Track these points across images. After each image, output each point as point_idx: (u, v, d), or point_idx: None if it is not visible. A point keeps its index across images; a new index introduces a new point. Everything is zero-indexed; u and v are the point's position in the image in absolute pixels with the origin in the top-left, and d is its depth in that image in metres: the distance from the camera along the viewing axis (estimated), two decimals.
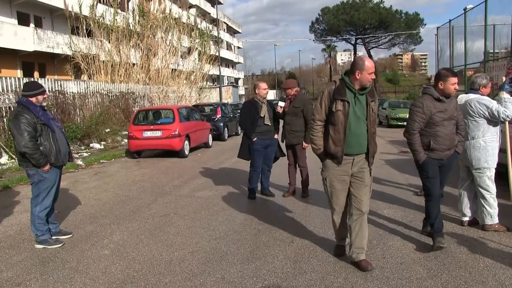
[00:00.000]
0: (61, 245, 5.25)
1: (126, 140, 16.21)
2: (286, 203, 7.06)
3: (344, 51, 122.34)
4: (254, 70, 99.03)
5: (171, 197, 7.80)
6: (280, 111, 7.37)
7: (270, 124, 7.29)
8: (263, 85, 7.39)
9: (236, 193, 7.89)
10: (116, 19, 22.01)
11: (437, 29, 28.23)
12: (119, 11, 23.15)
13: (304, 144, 7.31)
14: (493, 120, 5.20)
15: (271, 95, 66.05)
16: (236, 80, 73.41)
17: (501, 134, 5.47)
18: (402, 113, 22.93)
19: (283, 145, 7.59)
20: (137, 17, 23.46)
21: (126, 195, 8.06)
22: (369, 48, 60.38)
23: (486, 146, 5.22)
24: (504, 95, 5.31)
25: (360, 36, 57.65)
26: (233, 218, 6.29)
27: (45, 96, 5.29)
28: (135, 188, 8.69)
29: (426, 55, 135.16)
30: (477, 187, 5.38)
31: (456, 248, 4.81)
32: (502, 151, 5.64)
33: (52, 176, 5.24)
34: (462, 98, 5.56)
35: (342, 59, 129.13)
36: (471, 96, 5.35)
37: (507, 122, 5.48)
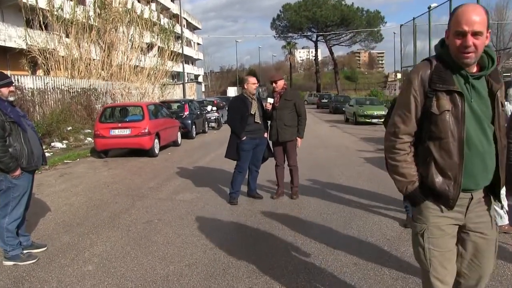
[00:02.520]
0: (35, 260, 4.56)
1: (89, 139, 15.39)
2: (278, 206, 6.60)
3: (303, 48, 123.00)
4: (213, 67, 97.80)
5: (150, 200, 7.18)
6: (270, 108, 6.88)
7: (260, 122, 6.81)
8: (252, 79, 6.89)
9: (220, 196, 7.35)
10: (76, 11, 20.82)
11: (401, 26, 28.62)
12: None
13: (299, 140, 6.89)
14: None
15: (232, 92, 65.47)
16: (196, 76, 72.35)
17: None
18: (370, 110, 22.96)
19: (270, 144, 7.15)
20: (98, 10, 22.30)
21: (99, 199, 7.37)
22: (330, 45, 60.87)
23: None
24: None
25: (322, 33, 57.89)
26: (224, 224, 5.78)
27: (12, 88, 4.55)
28: (108, 191, 8.00)
29: (383, 53, 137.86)
30: None
31: None
32: None
33: (23, 183, 4.54)
34: None
35: (300, 57, 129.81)
36: None
37: None
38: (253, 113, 6.75)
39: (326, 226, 5.51)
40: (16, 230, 4.63)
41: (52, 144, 13.72)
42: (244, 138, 6.67)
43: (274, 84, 6.98)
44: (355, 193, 7.24)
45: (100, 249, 4.91)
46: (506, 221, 5.07)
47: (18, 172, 4.41)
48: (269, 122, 7.07)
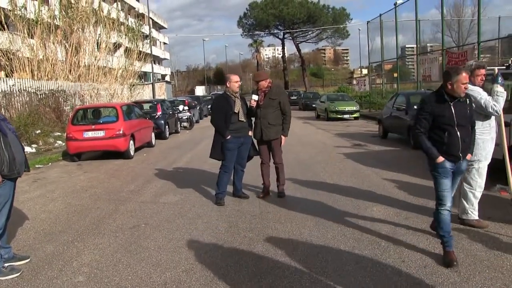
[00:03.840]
0: (18, 274, 4.28)
1: (60, 142, 14.92)
2: (266, 205, 6.48)
3: (269, 46, 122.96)
4: (178, 66, 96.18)
5: (133, 204, 6.93)
6: (254, 105, 6.75)
7: (244, 121, 6.67)
8: (235, 77, 6.75)
9: (205, 197, 7.17)
10: (42, 10, 20.06)
11: (367, 23, 28.97)
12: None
13: (283, 139, 6.79)
14: (481, 112, 4.88)
15: (200, 91, 64.88)
16: (163, 76, 71.45)
17: (498, 128, 5.20)
18: (341, 106, 23.09)
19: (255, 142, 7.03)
20: (64, 10, 21.52)
21: (79, 205, 7.08)
22: (297, 42, 61.04)
23: (475, 139, 4.80)
24: (498, 88, 4.98)
25: (289, 31, 57.97)
26: (215, 226, 5.61)
27: None
28: (87, 196, 7.70)
29: (348, 49, 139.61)
30: (462, 179, 5.06)
31: (471, 245, 4.51)
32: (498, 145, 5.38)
33: (4, 191, 4.26)
34: None
35: (266, 54, 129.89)
36: None
37: (502, 115, 5.18)
38: (236, 111, 6.61)
39: (318, 224, 5.42)
40: None
41: None
42: (229, 137, 6.52)
43: (256, 84, 6.86)
44: (341, 190, 7.19)
45: (88, 258, 4.67)
46: (471, 216, 5.07)
47: None
48: (253, 119, 6.95)
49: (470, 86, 4.87)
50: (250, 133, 6.85)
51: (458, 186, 5.29)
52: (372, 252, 4.44)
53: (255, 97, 6.72)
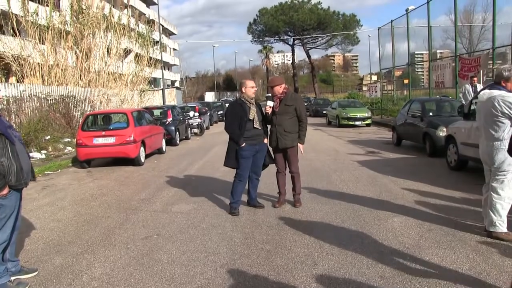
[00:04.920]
0: None
1: (69, 148, 14.80)
2: (282, 215, 6.24)
3: (278, 52, 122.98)
4: (188, 72, 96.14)
5: (145, 213, 6.73)
6: (269, 112, 6.54)
7: (259, 128, 6.44)
8: (250, 83, 6.53)
9: (218, 206, 6.95)
10: (53, 16, 20.08)
11: (378, 29, 28.71)
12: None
13: (300, 146, 6.57)
14: None
15: (210, 97, 64.91)
16: (173, 82, 71.62)
17: None
18: (353, 113, 22.78)
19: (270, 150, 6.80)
20: (75, 15, 21.53)
21: (89, 214, 6.88)
22: (307, 49, 60.81)
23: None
24: None
25: (299, 37, 57.75)
26: (230, 237, 5.38)
27: (0, 97, 4.11)
28: (97, 204, 7.51)
29: (357, 56, 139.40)
30: (490, 189, 4.86)
31: (503, 261, 4.24)
32: None
33: (11, 202, 4.06)
34: (485, 94, 5.02)
35: (276, 61, 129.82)
36: (495, 92, 4.78)
37: None
38: (251, 118, 6.39)
39: (338, 236, 5.18)
40: (2, 255, 4.14)
41: (31, 154, 13.05)
42: (243, 144, 6.30)
43: (271, 90, 6.65)
44: (359, 199, 6.94)
45: (99, 271, 4.46)
46: (500, 229, 4.81)
47: (5, 191, 3.95)
48: (269, 127, 6.73)
49: (503, 93, 4.62)
50: (266, 140, 6.64)
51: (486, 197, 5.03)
52: (397, 266, 4.19)
53: (270, 103, 6.51)
